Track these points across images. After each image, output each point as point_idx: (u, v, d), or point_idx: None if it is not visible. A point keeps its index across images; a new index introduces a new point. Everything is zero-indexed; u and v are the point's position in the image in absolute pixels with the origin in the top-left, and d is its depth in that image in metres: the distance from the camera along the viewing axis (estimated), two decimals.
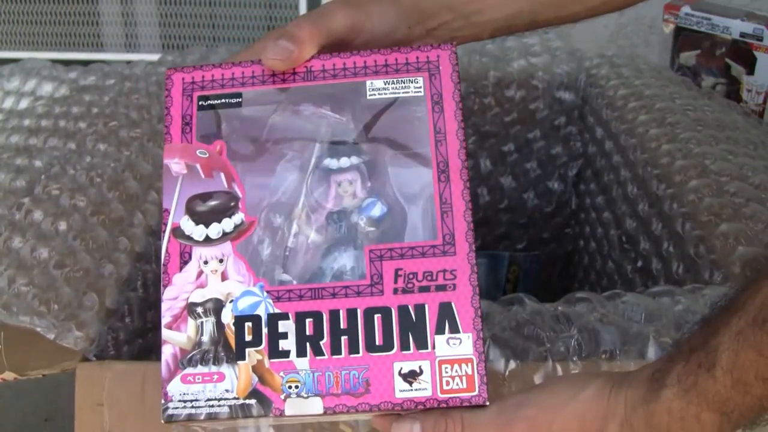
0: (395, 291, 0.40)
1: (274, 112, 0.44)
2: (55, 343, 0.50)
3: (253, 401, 0.39)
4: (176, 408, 0.40)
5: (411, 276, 0.40)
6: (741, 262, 0.56)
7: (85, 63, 0.94)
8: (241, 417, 0.39)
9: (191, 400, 0.40)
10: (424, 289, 0.40)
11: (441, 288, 0.40)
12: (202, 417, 0.39)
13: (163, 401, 0.40)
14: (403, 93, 0.43)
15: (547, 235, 1.04)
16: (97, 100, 0.81)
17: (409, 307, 0.40)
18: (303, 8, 1.61)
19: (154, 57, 0.95)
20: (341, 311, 0.40)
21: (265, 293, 0.41)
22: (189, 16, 1.65)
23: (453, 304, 0.40)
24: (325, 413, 0.39)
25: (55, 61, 0.95)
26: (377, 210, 0.42)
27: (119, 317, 0.55)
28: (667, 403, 0.35)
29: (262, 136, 0.44)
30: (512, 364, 0.46)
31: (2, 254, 0.56)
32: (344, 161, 0.43)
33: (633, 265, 0.77)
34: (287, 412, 0.39)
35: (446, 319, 0.39)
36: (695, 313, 0.49)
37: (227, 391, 0.39)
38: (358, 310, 0.40)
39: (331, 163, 0.43)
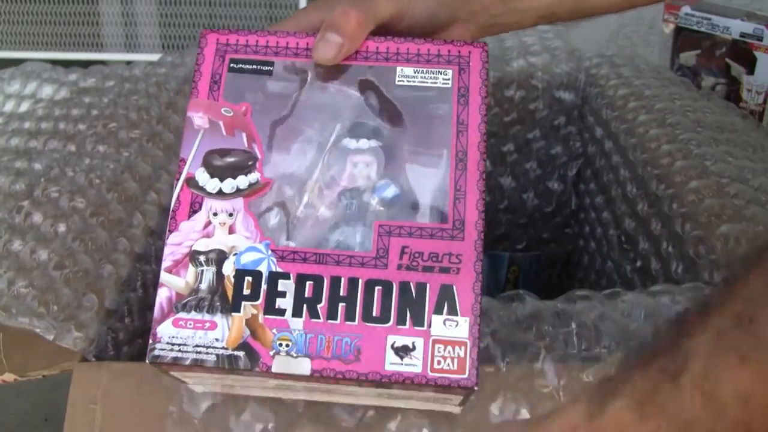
0: (399, 267, 0.40)
1: (302, 86, 0.44)
2: (55, 344, 0.50)
3: (241, 353, 0.39)
4: (163, 350, 0.39)
5: (417, 255, 0.40)
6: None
7: (85, 63, 0.94)
8: (226, 367, 0.39)
9: (179, 344, 0.39)
10: (428, 269, 0.40)
11: (445, 270, 0.40)
12: (187, 362, 0.39)
13: (150, 341, 0.39)
14: (431, 83, 0.44)
15: (547, 235, 1.04)
16: (96, 101, 0.81)
17: (411, 284, 0.40)
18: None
19: (154, 57, 0.95)
20: (343, 279, 0.40)
21: (270, 251, 0.41)
22: (189, 16, 1.65)
23: (455, 287, 0.40)
24: (312, 375, 0.39)
25: (55, 62, 0.95)
26: (390, 191, 0.42)
27: (118, 318, 0.55)
28: (614, 418, 0.29)
29: (286, 108, 0.44)
30: (511, 359, 0.47)
31: (2, 257, 0.56)
32: (363, 143, 0.43)
33: (632, 265, 0.77)
34: (274, 369, 0.39)
35: (446, 300, 0.39)
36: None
37: (217, 340, 0.39)
38: (360, 280, 0.40)
39: (350, 143, 0.43)
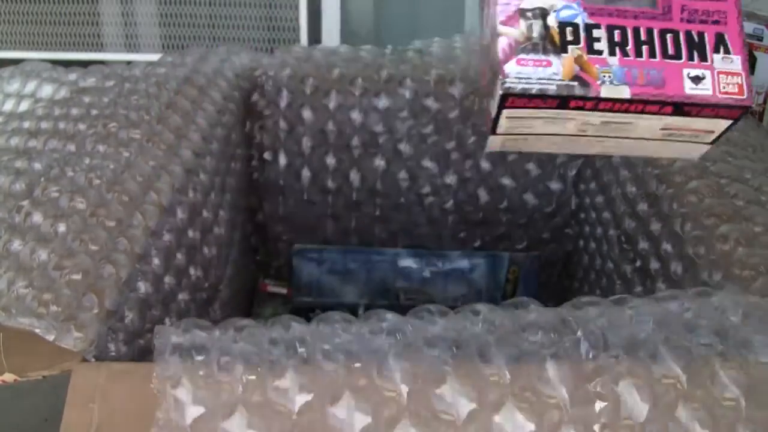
0: (681, 20, 0.50)
1: None
2: (55, 344, 0.50)
3: (575, 83, 0.49)
4: (512, 82, 0.49)
5: (693, 11, 0.51)
6: (741, 264, 0.56)
7: (85, 63, 0.94)
8: (565, 94, 0.49)
9: (525, 78, 0.49)
10: (703, 22, 0.51)
11: (716, 22, 0.51)
12: (533, 91, 0.49)
13: (500, 78, 0.49)
14: None
15: (547, 235, 1.04)
16: (96, 101, 0.81)
17: (693, 32, 0.50)
18: (303, 8, 1.61)
19: (154, 57, 0.95)
20: (641, 28, 0.50)
21: (582, 9, 0.50)
22: (189, 16, 1.65)
23: (726, 34, 0.50)
24: (631, 99, 0.49)
25: (55, 62, 0.95)
26: None
27: (118, 318, 0.55)
28: None
29: None
30: (515, 367, 0.45)
31: (2, 257, 0.56)
32: None
33: (632, 265, 0.77)
34: (603, 94, 0.48)
35: (720, 44, 0.50)
36: (708, 319, 0.48)
37: (555, 74, 0.49)
38: (654, 30, 0.50)
39: None
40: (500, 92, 0.48)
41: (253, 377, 0.46)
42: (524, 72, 0.49)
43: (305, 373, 0.46)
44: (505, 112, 0.51)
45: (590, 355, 0.46)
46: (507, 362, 0.46)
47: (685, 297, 0.51)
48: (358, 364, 0.46)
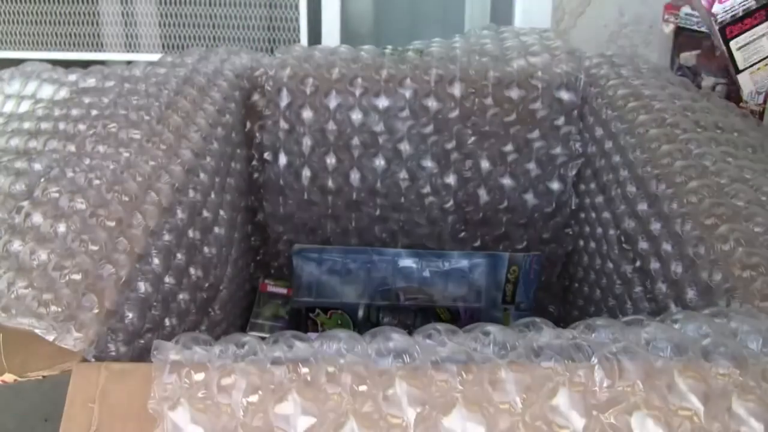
0: None
1: None
2: (55, 345, 0.50)
3: None
4: (722, 17, 0.61)
5: None
6: (741, 264, 0.56)
7: (85, 63, 0.94)
8: (766, 1, 0.62)
9: (730, 8, 0.62)
10: None
11: None
12: (740, 14, 0.61)
13: (713, 19, 0.62)
14: None
15: (547, 235, 1.04)
16: (96, 101, 0.81)
17: None
18: (303, 8, 1.61)
19: (154, 57, 0.95)
20: None
21: None
22: (189, 16, 1.64)
23: None
24: None
25: (55, 62, 0.95)
26: None
27: (119, 318, 0.55)
28: None
29: None
30: (527, 395, 0.44)
31: (2, 257, 0.56)
32: None
33: (632, 265, 0.77)
34: None
35: None
36: (726, 347, 0.46)
37: None
38: None
39: None
40: (717, 28, 0.61)
41: (254, 400, 0.45)
42: (727, 5, 0.61)
43: (308, 397, 0.45)
44: (732, 44, 0.62)
45: (604, 384, 0.44)
46: (518, 389, 0.44)
47: (701, 320, 0.49)
48: (363, 387, 0.45)
